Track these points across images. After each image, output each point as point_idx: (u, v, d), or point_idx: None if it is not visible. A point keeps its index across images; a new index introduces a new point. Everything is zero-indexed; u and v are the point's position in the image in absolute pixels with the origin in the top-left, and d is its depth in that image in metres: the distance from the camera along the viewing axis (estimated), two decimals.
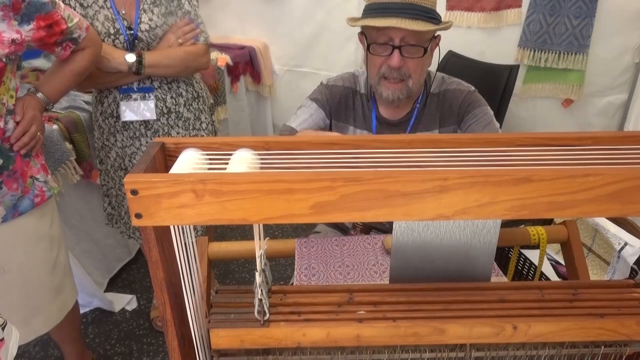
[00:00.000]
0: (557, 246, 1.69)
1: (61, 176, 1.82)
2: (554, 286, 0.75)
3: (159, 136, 1.72)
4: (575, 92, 2.46)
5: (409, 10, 1.16)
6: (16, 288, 1.37)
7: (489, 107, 1.31)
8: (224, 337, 0.67)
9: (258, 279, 0.66)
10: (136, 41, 1.58)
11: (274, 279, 2.34)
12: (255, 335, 0.67)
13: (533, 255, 1.54)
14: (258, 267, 0.65)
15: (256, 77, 3.07)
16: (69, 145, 1.85)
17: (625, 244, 1.54)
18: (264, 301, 0.66)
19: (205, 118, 1.84)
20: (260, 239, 0.63)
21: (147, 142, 1.72)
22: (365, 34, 1.25)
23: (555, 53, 2.41)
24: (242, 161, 0.61)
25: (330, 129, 1.39)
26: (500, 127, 1.35)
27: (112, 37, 1.56)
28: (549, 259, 1.75)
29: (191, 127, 1.78)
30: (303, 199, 0.53)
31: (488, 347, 0.71)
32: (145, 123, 1.69)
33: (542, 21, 2.38)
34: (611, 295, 0.72)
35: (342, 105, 1.37)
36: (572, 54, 2.38)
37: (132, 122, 1.68)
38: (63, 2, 1.38)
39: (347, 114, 1.37)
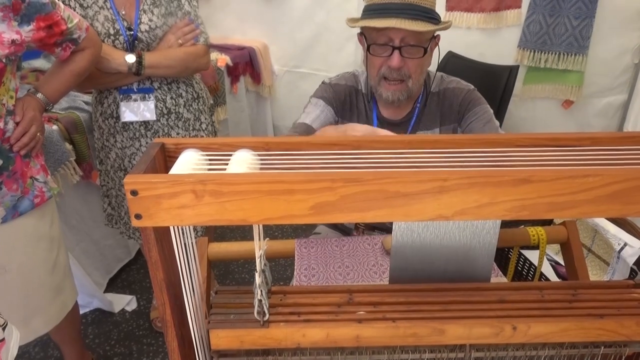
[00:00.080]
0: (557, 247, 1.70)
1: (61, 177, 1.82)
2: (554, 287, 0.75)
3: (158, 137, 1.72)
4: (574, 93, 2.47)
5: (408, 11, 1.16)
6: (16, 288, 1.37)
7: (488, 106, 1.31)
8: (224, 338, 0.67)
9: (258, 279, 0.66)
10: (136, 42, 1.58)
11: (273, 279, 2.34)
12: (255, 336, 0.67)
13: (533, 255, 1.54)
14: (258, 268, 0.65)
15: (256, 77, 3.07)
16: (68, 146, 1.85)
17: (625, 244, 1.54)
18: (263, 302, 0.66)
19: (205, 119, 1.84)
20: (260, 239, 0.63)
21: (147, 143, 1.72)
22: (365, 35, 1.25)
23: (555, 54, 2.41)
24: (242, 162, 0.61)
25: None
26: (500, 127, 1.35)
27: (112, 37, 1.56)
28: (548, 259, 1.75)
29: (191, 128, 1.78)
30: (303, 200, 0.53)
31: (488, 348, 0.71)
32: (145, 124, 1.69)
33: (542, 22, 2.38)
34: (611, 295, 0.72)
35: (346, 103, 1.36)
36: (571, 54, 2.38)
37: (132, 122, 1.68)
38: (63, 2, 1.39)
39: (352, 112, 1.37)
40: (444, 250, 0.77)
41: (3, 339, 0.77)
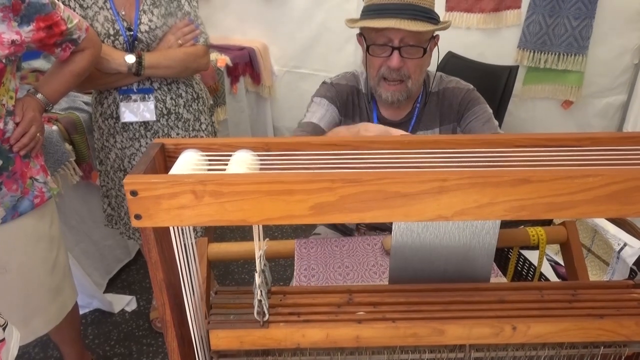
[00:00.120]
0: (557, 247, 1.70)
1: (61, 177, 1.82)
2: (554, 287, 0.75)
3: (158, 137, 1.72)
4: (574, 93, 2.47)
5: (407, 11, 1.16)
6: (16, 289, 1.37)
7: (487, 105, 1.31)
8: (224, 338, 0.68)
9: (257, 279, 0.66)
10: (136, 42, 1.58)
11: (273, 279, 2.34)
12: (255, 336, 0.67)
13: (532, 256, 1.54)
14: (257, 268, 0.65)
15: (256, 78, 3.07)
16: (68, 146, 1.85)
17: (625, 244, 1.54)
18: (263, 302, 0.66)
19: (205, 119, 1.84)
20: (259, 239, 0.63)
21: (146, 143, 1.72)
22: (364, 35, 1.25)
23: (555, 54, 2.41)
24: (242, 162, 0.61)
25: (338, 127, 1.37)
26: (500, 128, 1.35)
27: (112, 38, 1.56)
28: (548, 259, 1.75)
29: (191, 128, 1.78)
30: (303, 200, 0.53)
31: (487, 348, 0.71)
32: (145, 124, 1.69)
33: (542, 22, 2.38)
34: (610, 295, 0.72)
35: (349, 103, 1.36)
36: (571, 55, 2.38)
37: (131, 123, 1.68)
38: (63, 3, 1.39)
39: (354, 112, 1.36)
40: (444, 251, 0.77)
41: (3, 339, 0.77)
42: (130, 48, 1.58)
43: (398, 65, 1.21)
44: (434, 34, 1.26)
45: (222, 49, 2.92)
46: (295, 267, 1.10)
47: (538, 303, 0.71)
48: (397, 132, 1.00)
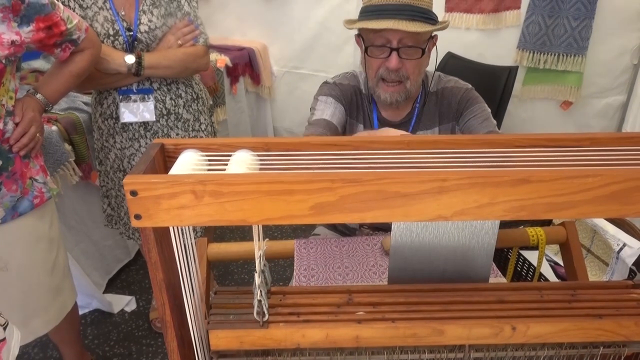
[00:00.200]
0: (556, 247, 1.70)
1: (60, 177, 1.82)
2: (553, 287, 0.75)
3: (158, 137, 1.72)
4: (573, 94, 2.47)
5: (405, 12, 1.16)
6: (15, 289, 1.37)
7: (485, 104, 1.32)
8: (223, 338, 0.68)
9: (257, 280, 0.66)
10: (135, 42, 1.58)
11: (273, 280, 2.34)
12: (255, 337, 0.67)
13: (532, 256, 1.54)
14: (257, 268, 0.65)
15: (255, 78, 3.07)
16: (68, 147, 1.85)
17: (624, 245, 1.54)
18: (263, 302, 0.66)
19: (205, 119, 1.84)
20: (259, 240, 0.63)
21: (146, 144, 1.72)
22: (362, 36, 1.25)
23: (554, 55, 2.42)
24: (242, 162, 0.61)
25: (345, 126, 1.36)
26: (499, 128, 1.35)
27: (112, 38, 1.56)
28: (547, 260, 1.75)
29: (190, 129, 1.78)
30: (302, 200, 0.53)
31: (487, 348, 0.71)
32: (145, 124, 1.69)
33: (541, 23, 2.38)
34: (610, 296, 0.72)
35: (353, 103, 1.35)
36: (571, 55, 2.38)
37: (131, 123, 1.68)
38: (62, 3, 1.39)
39: (358, 112, 1.36)
40: (443, 251, 0.77)
41: (4, 339, 0.77)
42: (129, 48, 1.58)
43: (396, 66, 1.20)
44: (432, 34, 1.26)
45: (221, 49, 2.92)
46: (294, 268, 1.10)
47: (537, 303, 0.71)
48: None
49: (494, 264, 1.03)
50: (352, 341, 0.68)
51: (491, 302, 0.71)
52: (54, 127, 1.81)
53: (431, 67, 1.34)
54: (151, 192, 0.53)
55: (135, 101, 1.66)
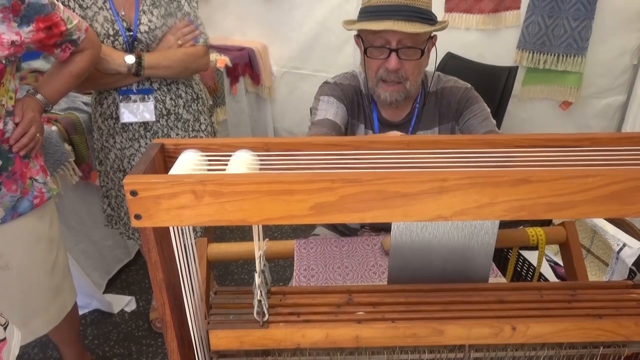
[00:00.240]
0: (556, 247, 1.70)
1: (60, 177, 1.82)
2: (553, 287, 0.75)
3: (158, 137, 1.72)
4: (572, 94, 2.47)
5: (404, 12, 1.16)
6: (15, 289, 1.37)
7: (485, 104, 1.32)
8: (223, 338, 0.68)
9: (257, 280, 0.66)
10: (135, 42, 1.58)
11: (273, 280, 2.34)
12: (255, 337, 0.67)
13: (532, 256, 1.54)
14: (257, 268, 0.65)
15: (255, 78, 3.07)
16: (68, 147, 1.85)
17: (624, 245, 1.54)
18: (263, 302, 0.66)
19: (205, 119, 1.84)
20: (259, 240, 0.63)
21: (146, 144, 1.72)
22: (362, 37, 1.25)
23: (554, 55, 2.42)
24: (242, 162, 0.61)
25: (347, 126, 1.35)
26: (499, 128, 1.35)
27: (112, 38, 1.56)
28: (547, 260, 1.75)
29: (190, 129, 1.78)
30: (303, 200, 0.53)
31: (487, 348, 0.71)
32: (145, 124, 1.69)
33: (541, 23, 2.38)
34: (610, 296, 0.73)
35: (354, 103, 1.35)
36: (570, 56, 2.38)
37: (131, 123, 1.68)
38: (62, 3, 1.39)
39: (359, 112, 1.36)
40: (443, 250, 0.77)
41: (4, 339, 0.77)
42: (129, 48, 1.58)
43: (396, 67, 1.20)
44: (432, 35, 1.26)
45: (221, 49, 2.92)
46: (294, 268, 1.10)
47: (537, 303, 0.71)
48: None
49: (493, 264, 1.03)
50: (352, 341, 0.68)
51: (491, 302, 0.71)
52: (54, 127, 1.81)
53: (431, 67, 1.34)
54: (151, 192, 0.53)
55: (135, 101, 1.66)
